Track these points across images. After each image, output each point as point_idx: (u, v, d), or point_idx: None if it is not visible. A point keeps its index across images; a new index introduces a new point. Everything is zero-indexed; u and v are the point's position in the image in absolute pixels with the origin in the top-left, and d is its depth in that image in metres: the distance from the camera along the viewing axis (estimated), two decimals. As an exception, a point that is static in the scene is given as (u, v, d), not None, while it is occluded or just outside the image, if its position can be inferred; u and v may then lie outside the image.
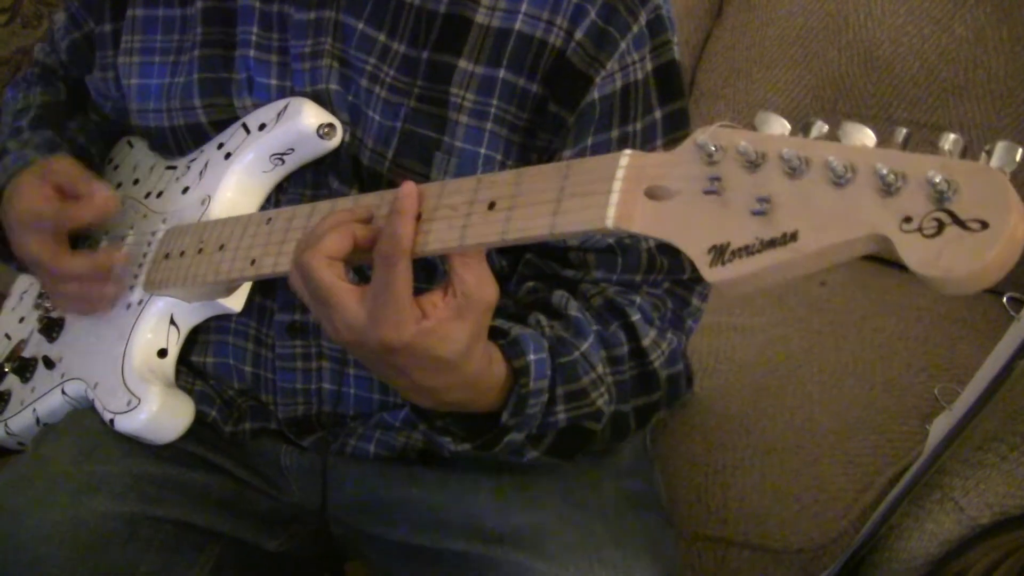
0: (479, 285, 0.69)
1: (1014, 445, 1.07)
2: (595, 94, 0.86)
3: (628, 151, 0.62)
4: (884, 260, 1.52)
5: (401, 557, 0.99)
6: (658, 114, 0.89)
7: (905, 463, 1.16)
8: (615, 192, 0.61)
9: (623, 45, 0.86)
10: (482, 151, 0.88)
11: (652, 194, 0.60)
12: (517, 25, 0.86)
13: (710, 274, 0.55)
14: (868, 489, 1.16)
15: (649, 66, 0.88)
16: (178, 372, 0.98)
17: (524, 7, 0.86)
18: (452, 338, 0.69)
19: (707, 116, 1.68)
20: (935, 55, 1.52)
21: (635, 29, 0.86)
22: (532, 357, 0.79)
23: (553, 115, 0.87)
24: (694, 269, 0.91)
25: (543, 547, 0.88)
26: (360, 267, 0.81)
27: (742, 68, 1.68)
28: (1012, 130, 1.48)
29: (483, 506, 0.93)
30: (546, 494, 0.92)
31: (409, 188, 0.70)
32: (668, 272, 0.91)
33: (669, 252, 0.91)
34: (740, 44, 1.69)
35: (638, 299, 0.89)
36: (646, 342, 0.87)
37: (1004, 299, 1.35)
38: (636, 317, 0.87)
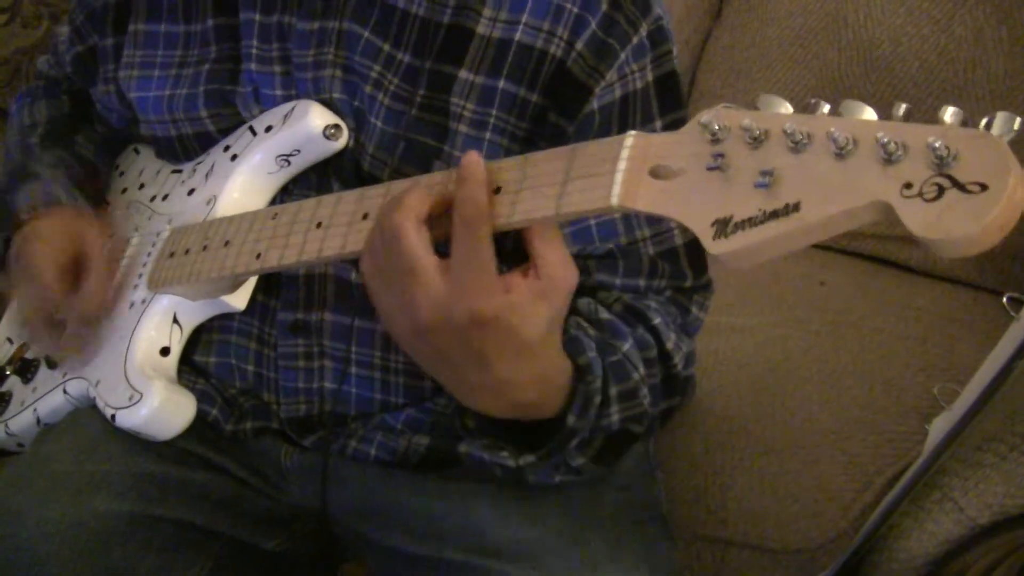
0: (562, 266, 0.67)
1: (1013, 445, 1.07)
2: (595, 104, 0.86)
3: (633, 132, 0.63)
4: (883, 260, 1.53)
5: (399, 563, 0.99)
6: (658, 124, 0.90)
7: (904, 463, 1.16)
8: (620, 172, 0.61)
9: (623, 56, 0.86)
10: None
11: (656, 173, 0.60)
12: (518, 36, 0.86)
13: (713, 246, 0.55)
14: (867, 489, 1.16)
15: (650, 76, 0.88)
16: (180, 371, 0.98)
17: (525, 18, 0.86)
18: (535, 318, 0.67)
19: (707, 116, 1.68)
20: (934, 55, 1.52)
21: (635, 40, 0.86)
22: (591, 355, 0.78)
23: (553, 125, 0.87)
24: (695, 277, 0.92)
25: (540, 562, 0.88)
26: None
27: (742, 68, 1.68)
28: (1011, 130, 1.48)
29: (483, 518, 0.93)
30: (546, 507, 0.92)
31: (475, 156, 0.67)
32: (670, 278, 0.92)
33: (669, 258, 0.91)
34: (740, 44, 1.69)
35: (653, 304, 0.89)
36: (669, 345, 0.87)
37: (1004, 299, 1.35)
38: (658, 320, 0.87)
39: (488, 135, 0.88)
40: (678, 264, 0.92)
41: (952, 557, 1.10)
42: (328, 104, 0.91)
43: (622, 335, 0.84)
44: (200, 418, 0.96)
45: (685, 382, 0.90)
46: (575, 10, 0.85)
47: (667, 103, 0.90)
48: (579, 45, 0.85)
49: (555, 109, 0.87)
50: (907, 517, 1.13)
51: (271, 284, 0.96)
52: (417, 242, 0.66)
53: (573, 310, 0.87)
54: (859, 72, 1.58)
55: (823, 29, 1.61)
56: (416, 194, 0.68)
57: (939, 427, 1.09)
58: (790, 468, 1.18)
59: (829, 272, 1.51)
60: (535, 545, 0.89)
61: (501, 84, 0.87)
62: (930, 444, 1.09)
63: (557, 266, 0.67)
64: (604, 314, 0.86)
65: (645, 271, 0.90)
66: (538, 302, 0.67)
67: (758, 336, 1.38)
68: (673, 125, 0.91)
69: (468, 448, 0.81)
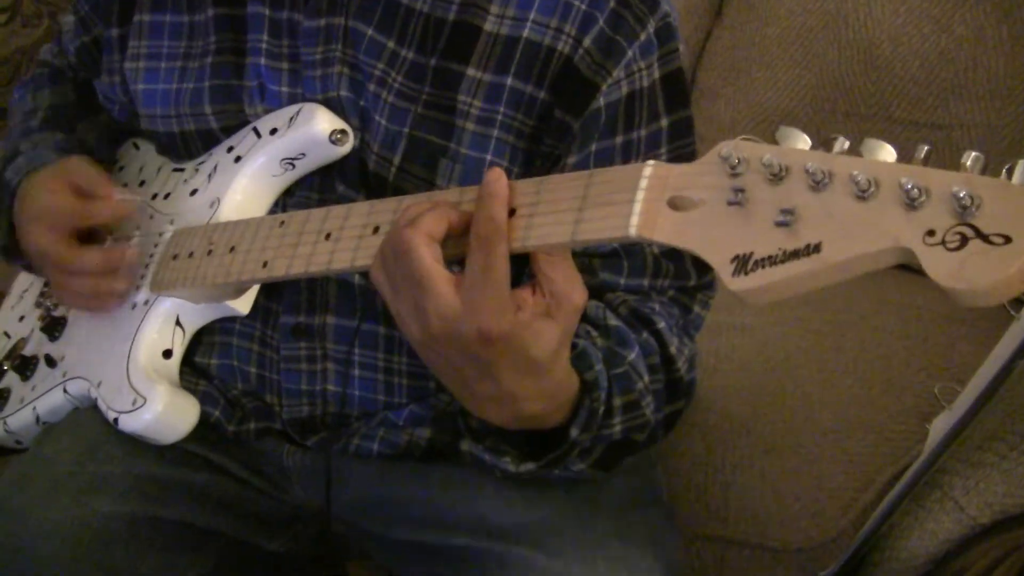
0: (569, 286, 0.67)
1: (1014, 444, 1.07)
2: (601, 101, 0.86)
3: (652, 162, 0.63)
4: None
5: (405, 554, 1.00)
6: (664, 122, 0.89)
7: (905, 462, 1.16)
8: (638, 201, 0.61)
9: (630, 53, 0.86)
10: (488, 157, 0.88)
11: (675, 204, 0.60)
12: (525, 33, 0.86)
13: (732, 283, 0.55)
14: (868, 488, 1.16)
15: (656, 74, 0.88)
16: (181, 373, 0.98)
17: (533, 15, 0.86)
18: (544, 337, 0.67)
19: (707, 115, 1.68)
20: (935, 55, 1.52)
21: (642, 37, 0.86)
22: (598, 367, 0.78)
23: (559, 121, 0.87)
24: (698, 276, 0.92)
25: (547, 542, 0.88)
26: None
27: (742, 67, 1.68)
28: (1012, 129, 1.48)
29: (487, 503, 0.93)
30: (550, 490, 0.92)
31: (498, 173, 0.68)
32: (674, 277, 0.92)
33: (673, 257, 0.91)
34: (740, 43, 1.69)
35: (657, 307, 0.89)
36: (672, 350, 0.87)
37: (1004, 299, 1.34)
38: (662, 325, 0.87)
39: (495, 132, 0.88)
40: (682, 264, 0.91)
41: (953, 556, 1.10)
42: (335, 102, 0.91)
43: (629, 344, 0.84)
44: (202, 419, 0.95)
45: (689, 386, 0.90)
46: (583, 7, 0.85)
47: (673, 101, 0.90)
48: (587, 42, 0.85)
49: (561, 106, 0.87)
50: (908, 516, 1.13)
51: (273, 287, 0.96)
52: (428, 256, 0.66)
53: (582, 316, 0.86)
54: (859, 71, 1.58)
55: (823, 28, 1.61)
56: (433, 216, 0.68)
57: (939, 426, 1.09)
58: (791, 467, 1.18)
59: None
60: (542, 527, 0.89)
61: (509, 81, 0.87)
62: (931, 443, 1.10)
63: (563, 285, 0.67)
64: (612, 320, 0.85)
65: (649, 271, 0.90)
66: (546, 320, 0.67)
67: (758, 335, 1.38)
68: (678, 123, 0.91)
69: (470, 448, 0.82)
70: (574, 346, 0.78)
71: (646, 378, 0.84)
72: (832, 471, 1.17)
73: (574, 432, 0.77)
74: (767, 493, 1.17)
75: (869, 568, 1.17)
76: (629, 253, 0.90)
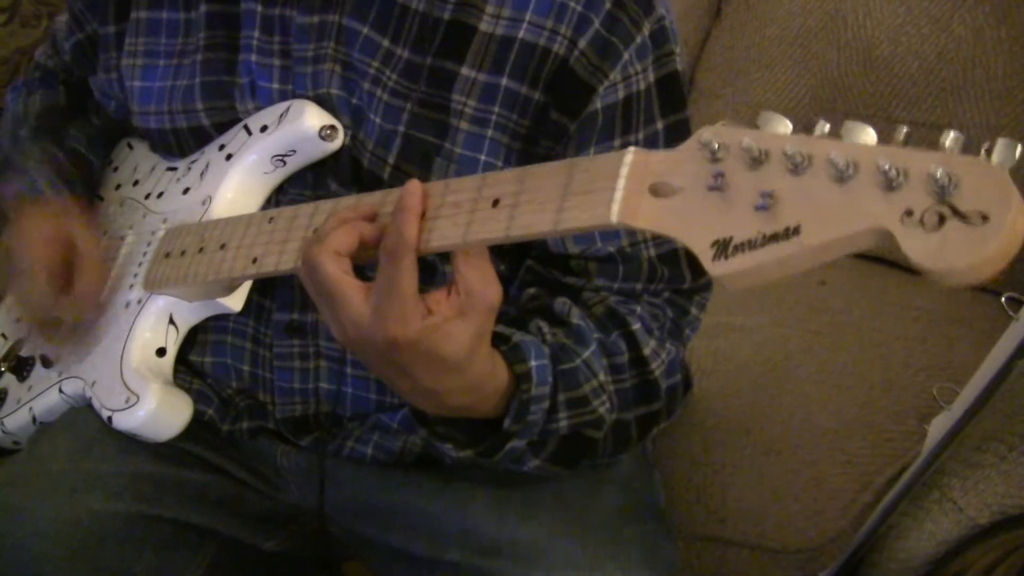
0: (483, 285, 0.69)
1: (1012, 445, 1.07)
2: (598, 104, 0.86)
3: (632, 148, 0.63)
4: (883, 260, 1.53)
5: (397, 562, 0.99)
6: (660, 125, 0.89)
7: (903, 463, 1.16)
8: (619, 189, 0.61)
9: (626, 55, 0.85)
10: (482, 157, 0.88)
11: (656, 191, 0.60)
12: (521, 33, 0.86)
13: (713, 268, 0.55)
14: (866, 489, 1.16)
15: (652, 77, 0.88)
16: (176, 371, 0.98)
17: (528, 15, 0.86)
18: (456, 337, 0.69)
19: (706, 116, 1.68)
20: (934, 55, 1.52)
21: (638, 40, 0.86)
22: (533, 363, 0.79)
23: (555, 123, 0.87)
24: (693, 279, 0.92)
25: (539, 560, 0.88)
26: (364, 269, 0.81)
27: (741, 68, 1.68)
28: (1010, 129, 1.48)
29: (480, 517, 0.93)
30: (543, 505, 0.92)
31: (414, 186, 0.70)
32: (668, 281, 0.91)
33: (669, 261, 0.91)
34: (739, 44, 1.69)
35: (639, 309, 0.89)
36: (647, 351, 0.87)
37: (1002, 299, 1.35)
38: (636, 326, 0.87)
39: (490, 132, 0.87)
40: (678, 267, 0.91)
41: (951, 557, 1.10)
42: (325, 100, 0.91)
43: (586, 341, 0.84)
44: (196, 418, 0.95)
45: (671, 390, 0.90)
46: (578, 8, 0.85)
47: (668, 105, 0.89)
48: (582, 43, 0.85)
49: (557, 107, 0.86)
50: (906, 517, 1.13)
51: (266, 284, 0.96)
52: (334, 271, 0.69)
53: (542, 311, 0.88)
54: (858, 72, 1.57)
55: (822, 29, 1.61)
56: (340, 233, 0.71)
57: (938, 427, 1.09)
58: (790, 468, 1.18)
59: (829, 272, 1.51)
60: (533, 544, 0.89)
61: (504, 81, 0.86)
62: (929, 444, 1.10)
63: (477, 284, 0.69)
64: (574, 318, 0.86)
65: (644, 275, 0.90)
66: (459, 320, 0.69)
67: (757, 336, 1.38)
68: (674, 127, 0.90)
69: (424, 435, 0.83)
70: (507, 339, 0.80)
71: (601, 376, 0.84)
72: (831, 472, 1.17)
73: (506, 422, 0.78)
74: (766, 494, 1.16)
75: (868, 569, 1.17)
76: (626, 258, 0.90)
